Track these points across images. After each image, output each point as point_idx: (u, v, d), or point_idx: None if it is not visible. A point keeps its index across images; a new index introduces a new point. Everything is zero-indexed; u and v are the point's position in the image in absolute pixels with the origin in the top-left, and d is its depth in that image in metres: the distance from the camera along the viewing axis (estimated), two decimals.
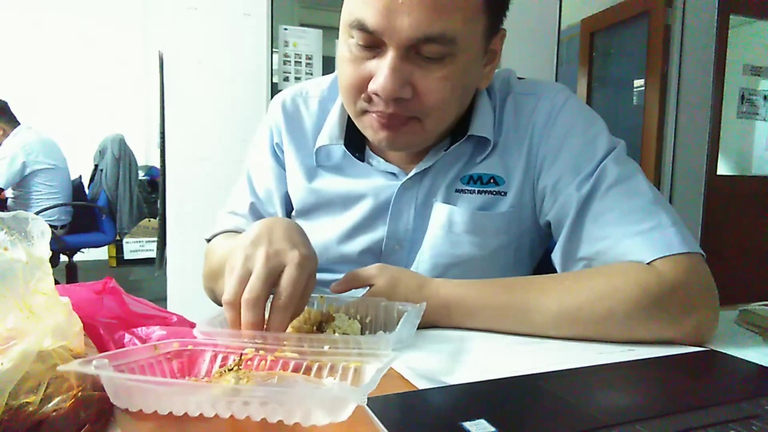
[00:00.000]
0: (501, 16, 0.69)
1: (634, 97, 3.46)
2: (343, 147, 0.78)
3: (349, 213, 0.80)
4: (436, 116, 0.67)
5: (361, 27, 0.61)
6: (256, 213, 0.85)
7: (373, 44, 0.63)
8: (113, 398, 0.38)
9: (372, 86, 0.63)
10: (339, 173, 0.81)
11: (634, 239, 0.62)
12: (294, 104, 0.85)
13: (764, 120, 3.71)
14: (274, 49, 2.35)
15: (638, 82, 3.38)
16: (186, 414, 0.37)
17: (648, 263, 0.61)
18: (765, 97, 3.66)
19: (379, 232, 0.78)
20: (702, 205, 3.21)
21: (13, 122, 3.20)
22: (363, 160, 0.79)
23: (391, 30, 0.60)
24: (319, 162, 0.82)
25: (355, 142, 0.78)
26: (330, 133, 0.79)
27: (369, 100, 0.66)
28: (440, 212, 0.75)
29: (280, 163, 0.86)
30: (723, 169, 3.54)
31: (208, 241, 0.88)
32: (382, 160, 0.78)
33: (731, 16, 3.21)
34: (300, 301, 0.53)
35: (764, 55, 3.61)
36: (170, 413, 0.37)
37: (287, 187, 0.85)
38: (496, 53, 0.72)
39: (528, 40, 2.62)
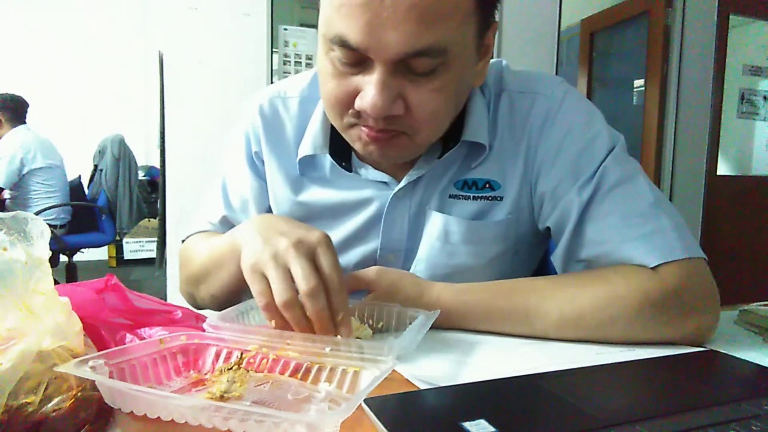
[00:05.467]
0: (493, 10, 0.62)
1: (634, 97, 3.46)
2: (329, 157, 0.74)
3: (340, 225, 0.76)
4: (429, 129, 0.63)
5: (344, 44, 0.55)
6: (228, 226, 0.79)
7: (358, 60, 0.57)
8: (107, 399, 0.38)
9: (360, 103, 0.58)
10: (327, 185, 0.76)
11: (634, 243, 0.61)
12: (272, 107, 0.79)
13: (764, 120, 3.72)
14: (274, 49, 2.35)
15: (638, 82, 3.38)
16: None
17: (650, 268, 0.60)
18: (765, 97, 3.66)
19: (372, 244, 0.75)
20: (702, 205, 3.22)
21: (15, 121, 3.18)
22: (350, 170, 0.74)
23: (377, 47, 0.54)
24: (303, 172, 0.77)
25: (340, 150, 0.73)
26: (313, 142, 0.74)
27: (357, 115, 0.61)
28: (436, 223, 0.72)
29: (259, 174, 0.80)
30: (723, 169, 3.54)
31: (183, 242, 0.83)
32: (371, 168, 0.74)
33: (731, 16, 3.21)
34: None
35: (764, 55, 3.62)
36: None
37: (268, 200, 0.80)
38: (490, 47, 0.66)
39: (528, 40, 2.62)
